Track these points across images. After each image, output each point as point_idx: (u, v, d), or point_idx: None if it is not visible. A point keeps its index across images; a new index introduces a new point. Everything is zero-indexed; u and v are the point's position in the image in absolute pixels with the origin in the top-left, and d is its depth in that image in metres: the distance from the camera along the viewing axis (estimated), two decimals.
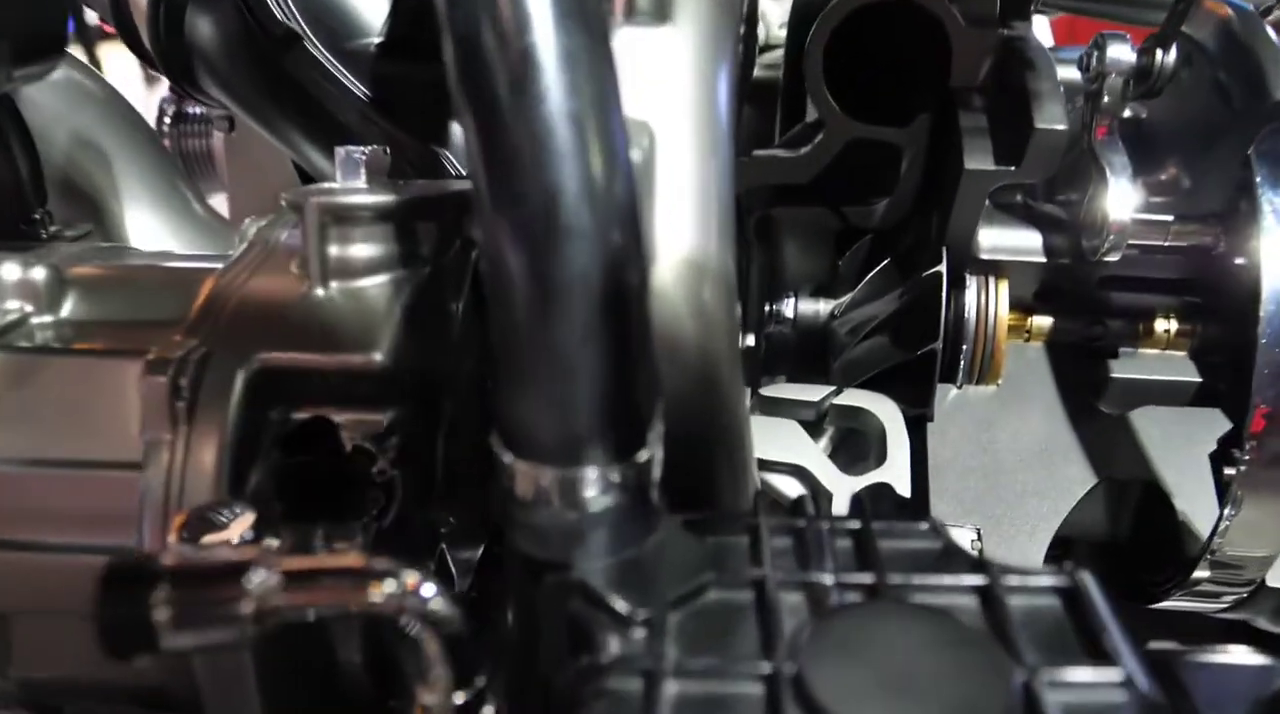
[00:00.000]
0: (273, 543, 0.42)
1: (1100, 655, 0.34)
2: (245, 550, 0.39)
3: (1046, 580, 0.39)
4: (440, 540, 0.57)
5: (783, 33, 1.14)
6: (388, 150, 0.59)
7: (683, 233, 0.46)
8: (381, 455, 0.50)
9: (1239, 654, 0.55)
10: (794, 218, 0.75)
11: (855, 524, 0.41)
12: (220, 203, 1.17)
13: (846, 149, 0.71)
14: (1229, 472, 0.70)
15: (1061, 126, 0.60)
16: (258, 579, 0.37)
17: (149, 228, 0.88)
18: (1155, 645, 0.40)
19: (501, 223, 0.36)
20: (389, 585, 0.38)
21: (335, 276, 0.51)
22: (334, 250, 0.50)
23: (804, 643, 0.33)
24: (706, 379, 0.47)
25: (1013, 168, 0.63)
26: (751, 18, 0.77)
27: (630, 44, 0.47)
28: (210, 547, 0.40)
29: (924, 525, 0.42)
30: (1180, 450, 0.70)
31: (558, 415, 0.37)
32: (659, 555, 0.40)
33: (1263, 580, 0.64)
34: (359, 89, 0.71)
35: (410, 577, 0.38)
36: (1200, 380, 0.73)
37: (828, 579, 0.38)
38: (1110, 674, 0.33)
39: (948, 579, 0.38)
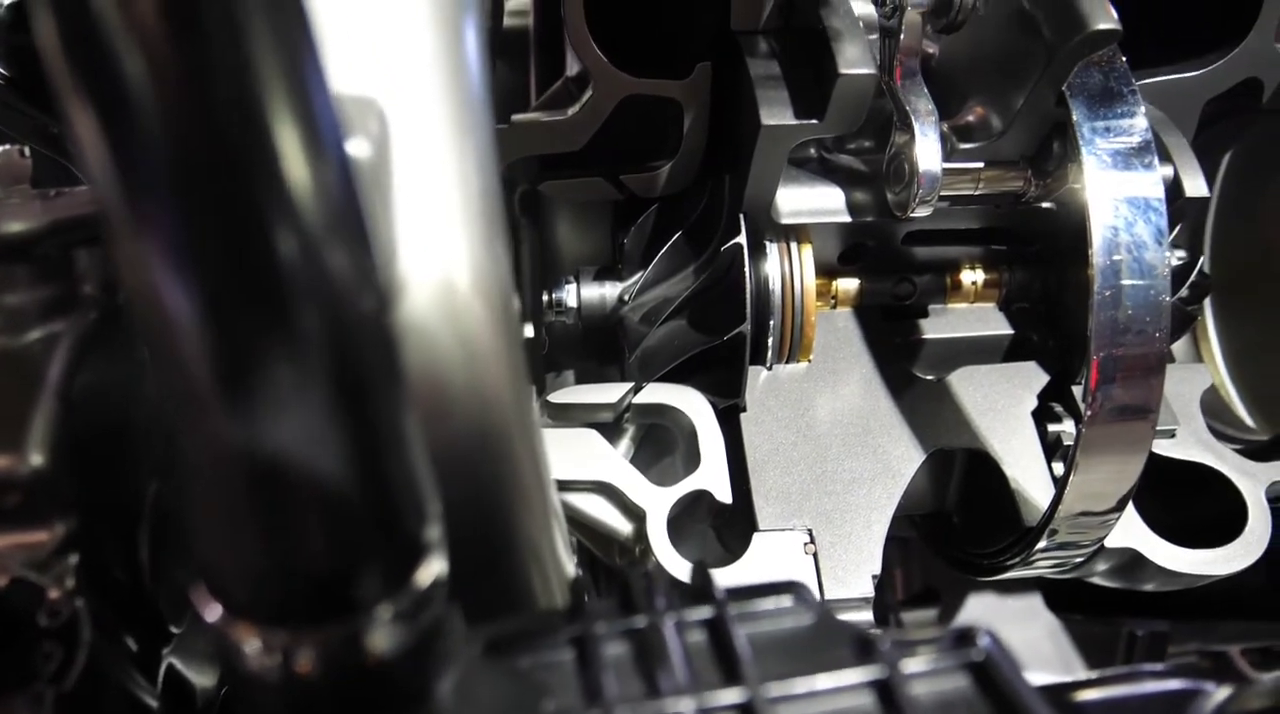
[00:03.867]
0: None
1: None
2: None
3: (952, 659, 0.31)
4: (162, 661, 0.43)
5: None
6: (25, 152, 0.44)
7: (437, 245, 0.34)
8: (53, 585, 0.37)
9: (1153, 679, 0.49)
10: (566, 191, 0.65)
11: (706, 612, 0.32)
12: None
13: (619, 108, 0.61)
14: (1053, 429, 0.66)
15: (868, 70, 0.52)
16: None
17: None
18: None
19: (154, 274, 0.23)
20: None
21: None
22: None
23: None
24: (487, 433, 0.36)
25: (815, 121, 0.54)
26: None
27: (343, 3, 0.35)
28: None
29: (787, 600, 0.33)
30: (1003, 412, 0.65)
31: (286, 552, 0.26)
32: (460, 705, 0.29)
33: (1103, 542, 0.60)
34: None
35: None
36: (1013, 332, 0.68)
37: (687, 706, 0.28)
38: None
39: (835, 678, 0.30)
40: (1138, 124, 0.53)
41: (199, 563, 0.27)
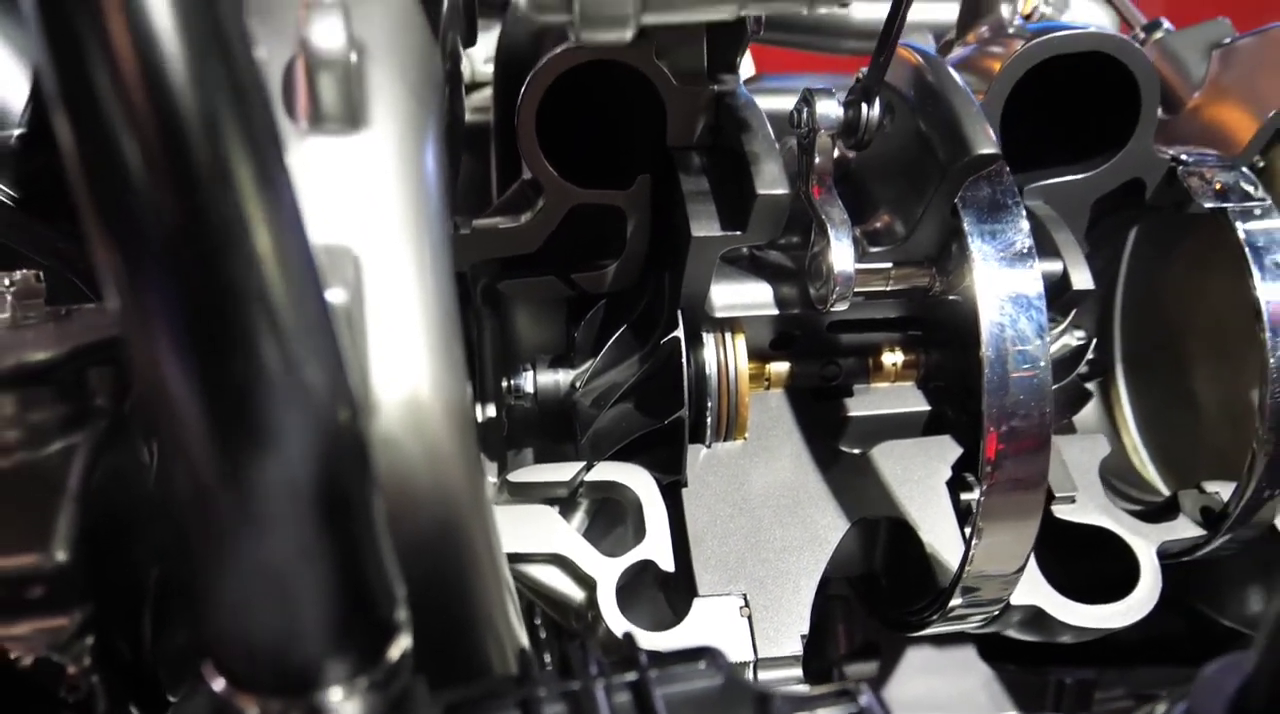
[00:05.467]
0: None
1: None
2: None
3: (836, 712, 0.37)
4: None
5: (488, 69, 1.10)
6: (40, 276, 0.50)
7: (405, 369, 0.41)
8: (72, 663, 0.43)
9: None
10: (522, 289, 0.72)
11: (632, 676, 0.38)
12: None
13: (569, 213, 0.68)
14: (965, 497, 0.73)
15: (782, 191, 0.59)
16: None
17: None
18: None
19: (173, 419, 0.30)
20: None
21: None
22: None
23: None
24: (450, 525, 0.42)
25: (738, 232, 0.62)
26: (455, 55, 0.72)
27: (322, 157, 0.41)
28: None
29: (702, 664, 0.39)
30: (920, 483, 0.72)
31: (281, 635, 0.32)
32: None
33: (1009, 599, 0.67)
34: (3, 192, 0.61)
35: None
36: (929, 408, 0.76)
37: None
38: None
39: None
40: (1021, 231, 0.61)
41: (207, 642, 0.33)
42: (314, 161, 0.41)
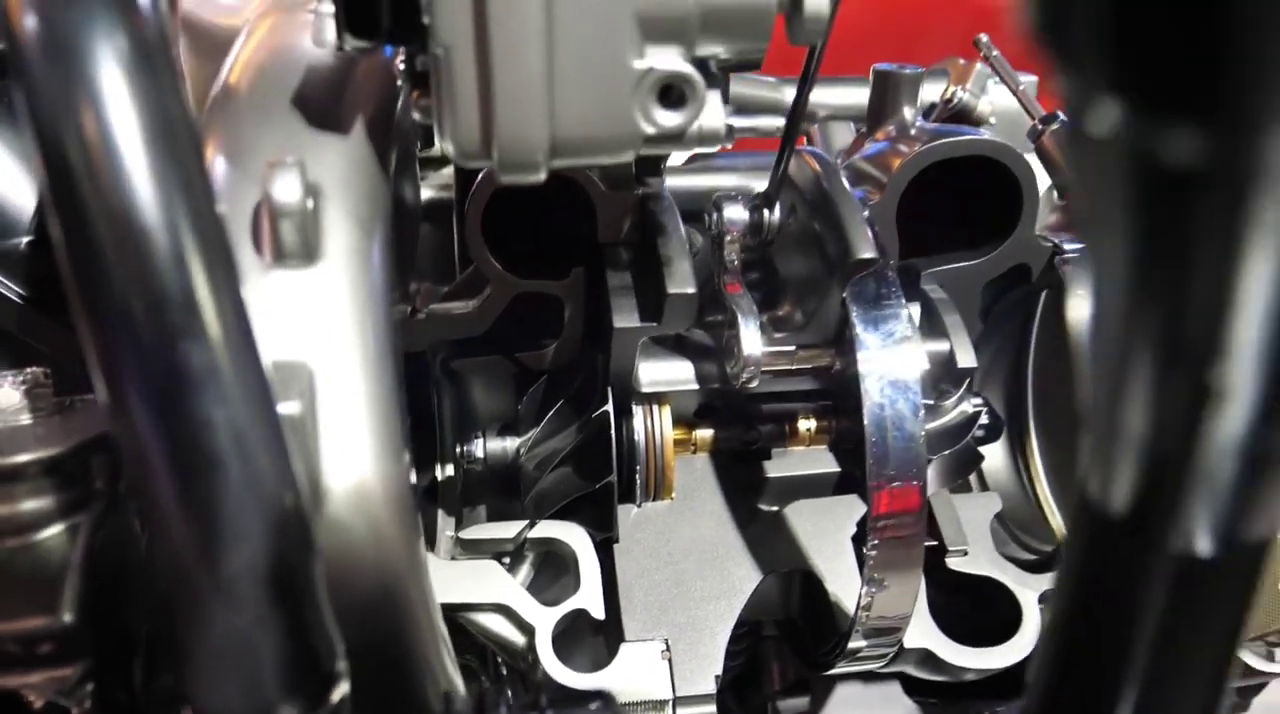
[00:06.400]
0: None
1: None
2: None
3: None
4: None
5: None
6: (48, 373, 0.59)
7: (353, 463, 0.50)
8: (76, 705, 0.51)
9: None
10: (473, 366, 0.81)
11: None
12: None
13: (514, 299, 0.77)
14: (867, 552, 0.82)
15: (690, 290, 0.69)
16: None
17: None
18: None
19: (153, 509, 0.38)
20: None
21: (3, 537, 0.51)
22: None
23: None
24: (390, 592, 0.51)
25: (655, 323, 0.71)
26: (409, 137, 0.80)
27: (283, 287, 0.50)
28: None
29: (594, 705, 0.48)
30: (829, 537, 0.81)
31: (244, 685, 0.41)
32: None
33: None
34: (14, 292, 0.70)
35: None
36: (839, 470, 0.85)
37: None
38: None
39: None
40: (900, 321, 0.70)
41: (185, 690, 0.42)
42: (276, 291, 0.50)
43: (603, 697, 0.48)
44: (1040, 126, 1.01)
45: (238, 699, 0.40)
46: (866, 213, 0.75)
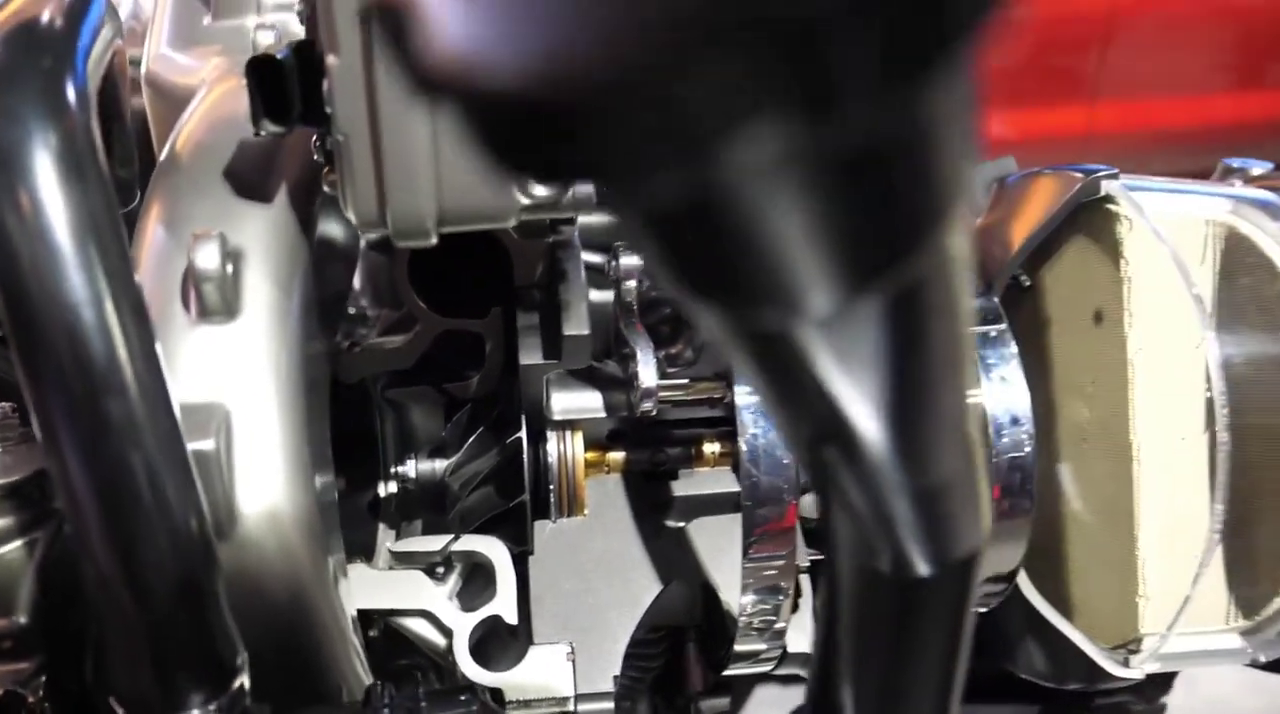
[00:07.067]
0: None
1: None
2: None
3: None
4: None
5: None
6: (15, 408, 0.67)
7: (264, 491, 0.58)
8: (32, 694, 0.60)
9: None
10: (405, 396, 0.90)
11: (409, 705, 0.56)
12: None
13: (442, 334, 0.86)
14: (743, 564, 0.91)
15: (584, 332, 0.77)
16: None
17: None
18: None
19: (79, 524, 0.47)
20: None
21: None
22: None
23: None
24: (296, 601, 0.60)
25: (556, 361, 0.80)
26: None
27: (206, 342, 0.59)
28: None
29: (463, 697, 0.56)
30: (725, 552, 0.89)
31: (159, 677, 0.49)
32: None
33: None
34: None
35: None
36: (740, 490, 0.93)
37: None
38: None
39: None
40: None
41: (111, 682, 0.50)
42: (200, 344, 0.59)
43: (471, 689, 0.56)
44: None
45: (152, 688, 0.49)
46: None
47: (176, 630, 0.49)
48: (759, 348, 0.28)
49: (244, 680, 0.52)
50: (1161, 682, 1.17)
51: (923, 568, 0.43)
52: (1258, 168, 1.08)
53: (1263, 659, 0.94)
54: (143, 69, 0.98)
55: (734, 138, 0.16)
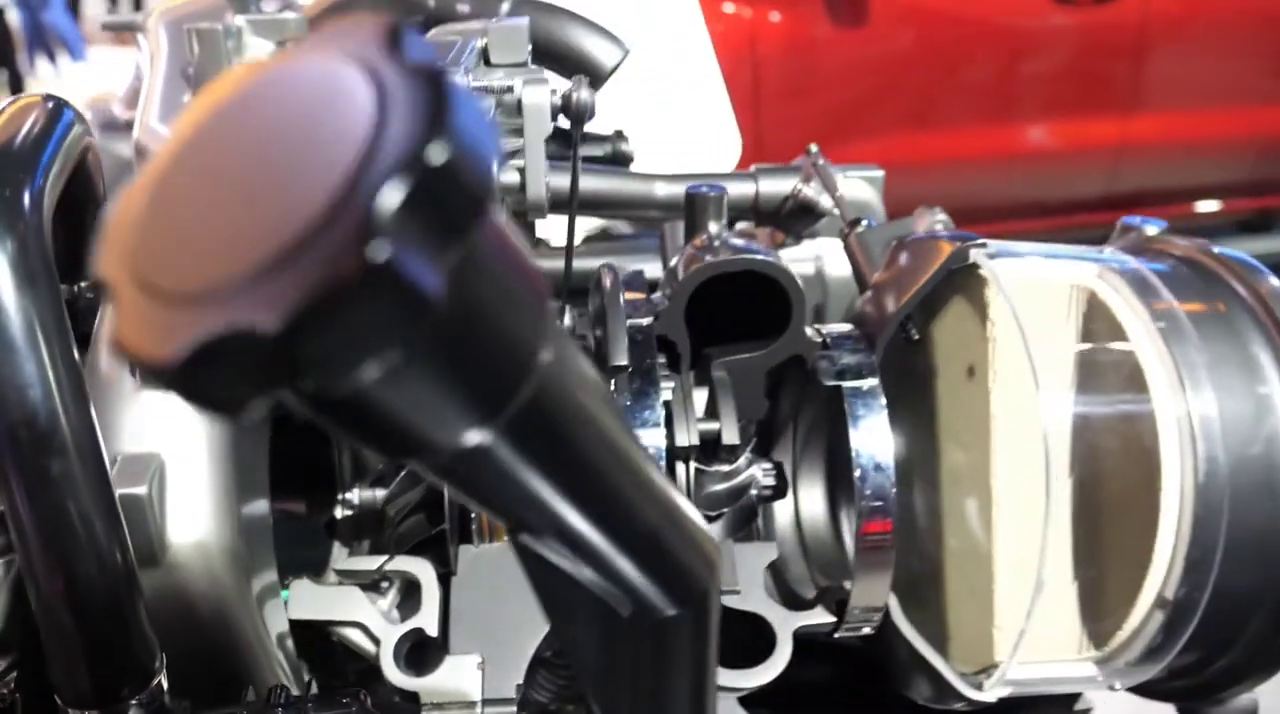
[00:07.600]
0: None
1: None
2: None
3: None
4: None
5: None
6: None
7: (192, 526, 0.71)
8: (5, 689, 0.73)
9: None
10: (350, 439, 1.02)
11: (298, 704, 0.68)
12: None
13: None
14: None
15: None
16: None
17: None
18: None
19: (33, 571, 0.60)
20: None
21: None
22: None
23: None
24: (219, 616, 0.73)
25: None
26: None
27: (147, 405, 0.72)
28: None
29: (346, 699, 0.69)
30: None
31: (87, 676, 0.62)
32: None
33: None
34: None
35: None
36: None
37: None
38: None
39: None
40: (653, 409, 0.91)
41: (54, 682, 0.63)
42: (141, 406, 0.72)
43: (355, 694, 0.69)
44: (846, 229, 1.21)
45: (87, 688, 0.62)
46: (652, 318, 0.96)
47: (106, 640, 0.61)
48: (449, 475, 0.41)
49: (162, 679, 0.65)
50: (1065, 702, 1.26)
51: (667, 609, 0.54)
52: (1152, 228, 1.18)
53: (1118, 687, 1.04)
54: (133, 140, 1.12)
55: (271, 395, 0.28)
